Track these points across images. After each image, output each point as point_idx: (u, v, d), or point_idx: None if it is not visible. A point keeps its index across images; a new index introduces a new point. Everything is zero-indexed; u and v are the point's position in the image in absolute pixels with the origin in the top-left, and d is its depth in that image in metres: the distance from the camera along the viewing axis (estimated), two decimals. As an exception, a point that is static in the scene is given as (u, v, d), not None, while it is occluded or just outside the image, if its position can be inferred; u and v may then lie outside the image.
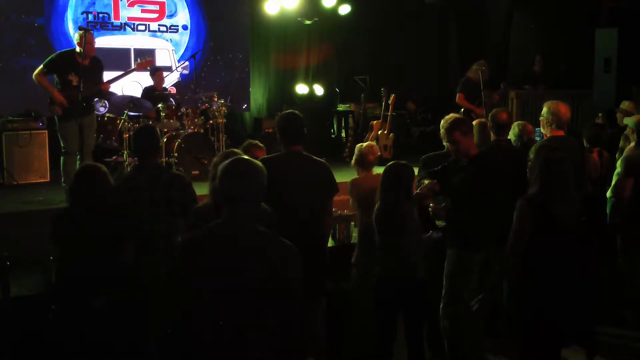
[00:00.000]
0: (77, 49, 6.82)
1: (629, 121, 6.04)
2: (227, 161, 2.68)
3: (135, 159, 4.56)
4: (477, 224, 4.29)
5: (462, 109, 8.22)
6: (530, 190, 3.93)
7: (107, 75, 7.18)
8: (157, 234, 4.15)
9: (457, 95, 8.46)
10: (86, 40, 6.79)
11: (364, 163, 5.11)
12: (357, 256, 5.00)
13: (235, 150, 4.13)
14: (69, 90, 6.72)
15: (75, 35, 6.85)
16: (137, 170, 4.35)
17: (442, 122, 4.96)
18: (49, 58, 6.97)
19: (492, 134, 5.33)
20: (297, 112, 4.51)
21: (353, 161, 5.21)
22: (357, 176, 5.17)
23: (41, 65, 6.88)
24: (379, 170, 4.80)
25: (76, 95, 6.73)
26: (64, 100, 6.68)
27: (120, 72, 7.48)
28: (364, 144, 5.24)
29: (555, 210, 3.81)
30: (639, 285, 5.45)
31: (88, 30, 6.95)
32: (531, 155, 4.07)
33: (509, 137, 5.37)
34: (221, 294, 2.52)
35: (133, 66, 7.37)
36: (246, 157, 2.80)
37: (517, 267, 3.88)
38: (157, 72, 9.01)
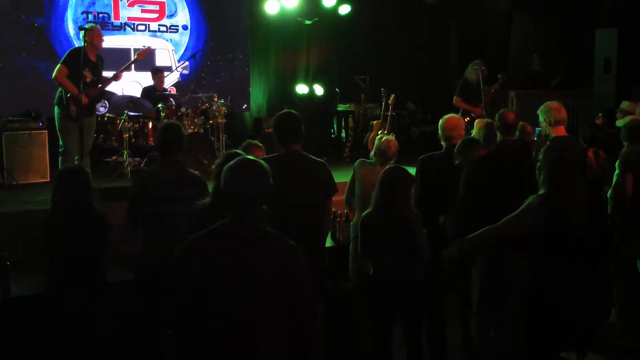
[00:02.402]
0: (84, 43, 6.76)
1: (621, 123, 6.04)
2: (233, 162, 2.66)
3: (158, 154, 4.65)
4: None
5: (460, 111, 8.23)
6: (540, 191, 3.92)
7: (107, 76, 7.19)
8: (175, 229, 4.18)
9: (454, 98, 8.49)
10: (94, 34, 6.81)
11: (382, 157, 5.14)
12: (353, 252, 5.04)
13: (238, 151, 4.14)
14: (85, 87, 6.70)
15: (82, 33, 6.82)
16: (164, 166, 4.41)
17: (440, 122, 4.98)
18: (66, 55, 6.91)
19: (498, 134, 5.34)
20: (292, 111, 4.52)
21: (372, 152, 5.24)
22: (374, 163, 5.19)
23: (60, 65, 6.80)
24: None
25: (93, 92, 6.76)
26: (86, 101, 6.67)
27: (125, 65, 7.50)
28: (383, 138, 5.26)
29: (568, 211, 3.81)
30: (626, 285, 5.49)
31: (95, 25, 7.00)
32: (540, 156, 4.06)
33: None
34: (230, 296, 2.51)
35: (133, 58, 7.36)
36: (252, 157, 2.78)
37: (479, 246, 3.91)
38: (158, 73, 9.03)
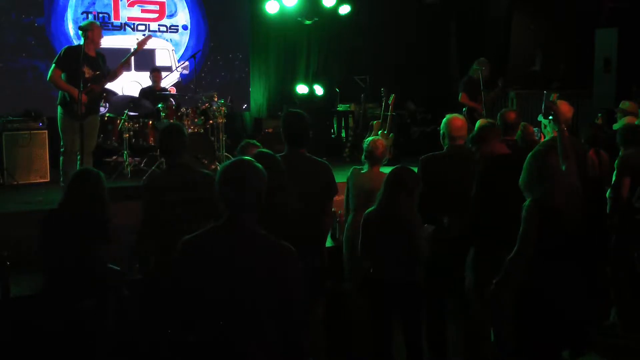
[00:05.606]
0: (83, 40, 6.72)
1: (618, 126, 6.03)
2: (227, 164, 2.65)
3: (163, 159, 4.59)
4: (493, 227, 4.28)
5: (465, 109, 8.22)
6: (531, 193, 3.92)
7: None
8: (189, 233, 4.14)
9: (460, 94, 8.48)
10: (94, 30, 6.77)
11: (372, 158, 5.17)
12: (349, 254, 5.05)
13: (250, 141, 4.11)
14: (85, 83, 6.66)
15: (82, 30, 6.80)
16: (167, 170, 4.33)
17: (445, 120, 4.96)
18: (58, 56, 6.84)
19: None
20: (300, 111, 4.49)
21: (363, 156, 5.26)
22: (363, 170, 5.22)
23: (53, 66, 6.72)
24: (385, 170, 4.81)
25: (96, 88, 6.75)
26: (86, 99, 6.66)
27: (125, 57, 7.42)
28: (370, 139, 5.30)
29: (563, 211, 3.80)
30: (625, 285, 5.49)
31: (94, 21, 6.99)
32: (527, 160, 4.06)
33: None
34: (221, 298, 2.52)
35: (134, 49, 7.34)
36: (247, 158, 2.76)
37: (523, 269, 3.88)
38: (154, 73, 9.07)
